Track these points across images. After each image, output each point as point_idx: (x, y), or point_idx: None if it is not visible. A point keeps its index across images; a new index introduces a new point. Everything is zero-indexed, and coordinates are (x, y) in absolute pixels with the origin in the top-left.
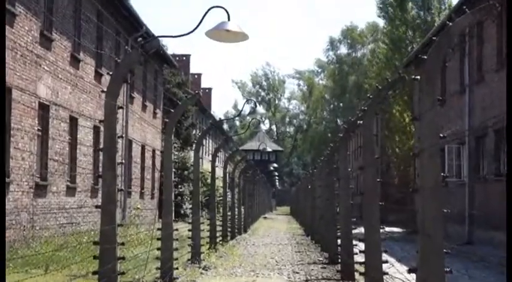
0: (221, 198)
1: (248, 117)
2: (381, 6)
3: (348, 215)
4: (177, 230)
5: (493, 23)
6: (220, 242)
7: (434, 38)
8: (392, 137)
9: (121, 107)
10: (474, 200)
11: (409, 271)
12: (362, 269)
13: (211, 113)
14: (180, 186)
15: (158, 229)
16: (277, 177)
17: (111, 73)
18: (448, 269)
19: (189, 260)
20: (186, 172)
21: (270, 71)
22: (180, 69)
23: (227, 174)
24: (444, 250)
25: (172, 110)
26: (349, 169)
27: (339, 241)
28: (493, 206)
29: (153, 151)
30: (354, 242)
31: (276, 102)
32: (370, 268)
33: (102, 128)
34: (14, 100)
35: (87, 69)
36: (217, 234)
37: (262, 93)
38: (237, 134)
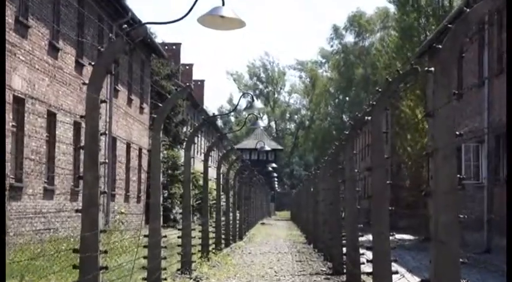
0: (214, 201)
1: (244, 113)
2: None
3: (354, 220)
4: (165, 236)
5: None
6: (213, 251)
7: (450, 25)
8: (404, 134)
9: (104, 101)
10: (493, 204)
11: None
12: (369, 280)
13: (204, 107)
14: (170, 187)
15: (145, 236)
16: (276, 179)
17: (93, 63)
18: (464, 281)
19: (178, 270)
20: (175, 172)
21: (268, 62)
22: (170, 59)
23: (221, 176)
24: (460, 259)
25: (160, 105)
26: (356, 170)
27: (344, 249)
28: None
29: (140, 150)
30: (361, 251)
31: (276, 96)
32: (379, 279)
33: (83, 124)
34: None
35: (66, 59)
36: (210, 242)
37: (260, 86)
38: (232, 131)
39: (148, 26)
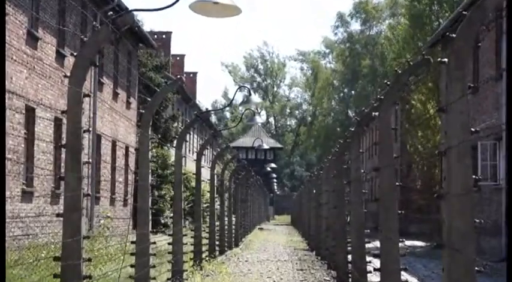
0: (208, 205)
1: (241, 108)
2: None
3: (361, 225)
4: (154, 243)
5: None
6: (207, 258)
7: (465, 12)
8: (414, 131)
9: (88, 95)
10: None
11: None
12: None
13: (197, 102)
14: (161, 187)
15: (132, 242)
16: (275, 180)
17: (75, 54)
18: None
19: (169, 279)
20: (165, 172)
21: (267, 52)
22: (159, 49)
23: (215, 176)
24: (476, 268)
25: (149, 99)
26: (362, 170)
27: (349, 257)
28: None
29: (126, 148)
30: (368, 259)
31: (275, 89)
32: None
33: (64, 120)
34: None
35: (47, 49)
36: (203, 249)
37: (258, 79)
38: (228, 128)
39: (135, 13)
